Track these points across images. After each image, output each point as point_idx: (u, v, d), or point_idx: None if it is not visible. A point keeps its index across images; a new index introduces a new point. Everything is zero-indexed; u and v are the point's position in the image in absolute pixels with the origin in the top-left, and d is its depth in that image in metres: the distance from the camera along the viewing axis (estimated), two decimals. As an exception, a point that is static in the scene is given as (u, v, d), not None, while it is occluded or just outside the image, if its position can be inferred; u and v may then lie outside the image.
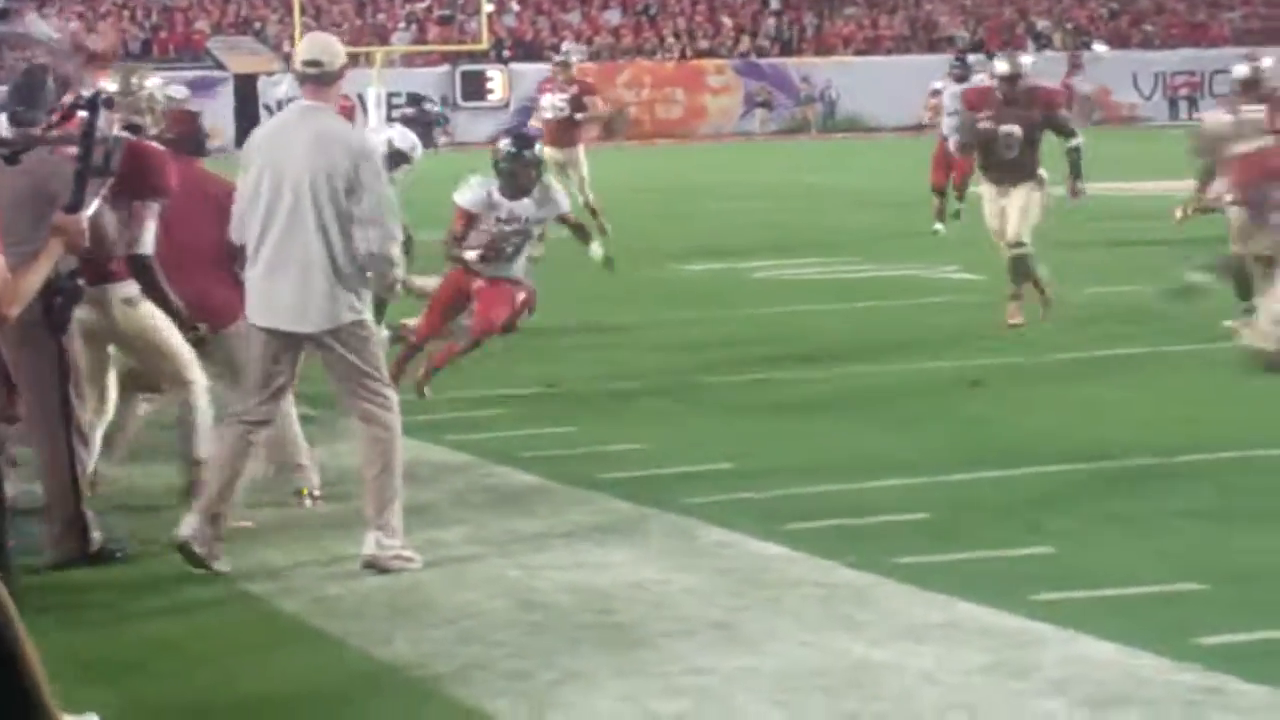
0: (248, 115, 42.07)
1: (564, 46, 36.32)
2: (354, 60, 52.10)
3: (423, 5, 54.10)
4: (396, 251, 8.10)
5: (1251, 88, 14.80)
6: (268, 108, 41.48)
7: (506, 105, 48.70)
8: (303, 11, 47.92)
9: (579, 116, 22.12)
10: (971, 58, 27.47)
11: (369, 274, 8.06)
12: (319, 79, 8.04)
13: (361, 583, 7.82)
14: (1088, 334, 14.29)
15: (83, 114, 6.35)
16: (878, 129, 50.41)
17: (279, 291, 7.96)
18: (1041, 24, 57.18)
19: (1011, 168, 14.52)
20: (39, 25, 27.35)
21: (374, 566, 7.93)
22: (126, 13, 51.97)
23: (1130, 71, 54.76)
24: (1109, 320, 15.04)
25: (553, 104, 22.63)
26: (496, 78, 49.28)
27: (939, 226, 22.81)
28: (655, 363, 13.46)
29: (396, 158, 13.26)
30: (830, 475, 9.39)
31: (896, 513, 8.70)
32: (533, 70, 50.23)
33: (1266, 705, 6.01)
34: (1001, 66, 15.10)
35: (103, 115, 6.84)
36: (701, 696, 6.26)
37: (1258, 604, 7.14)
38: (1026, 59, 15.88)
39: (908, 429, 10.77)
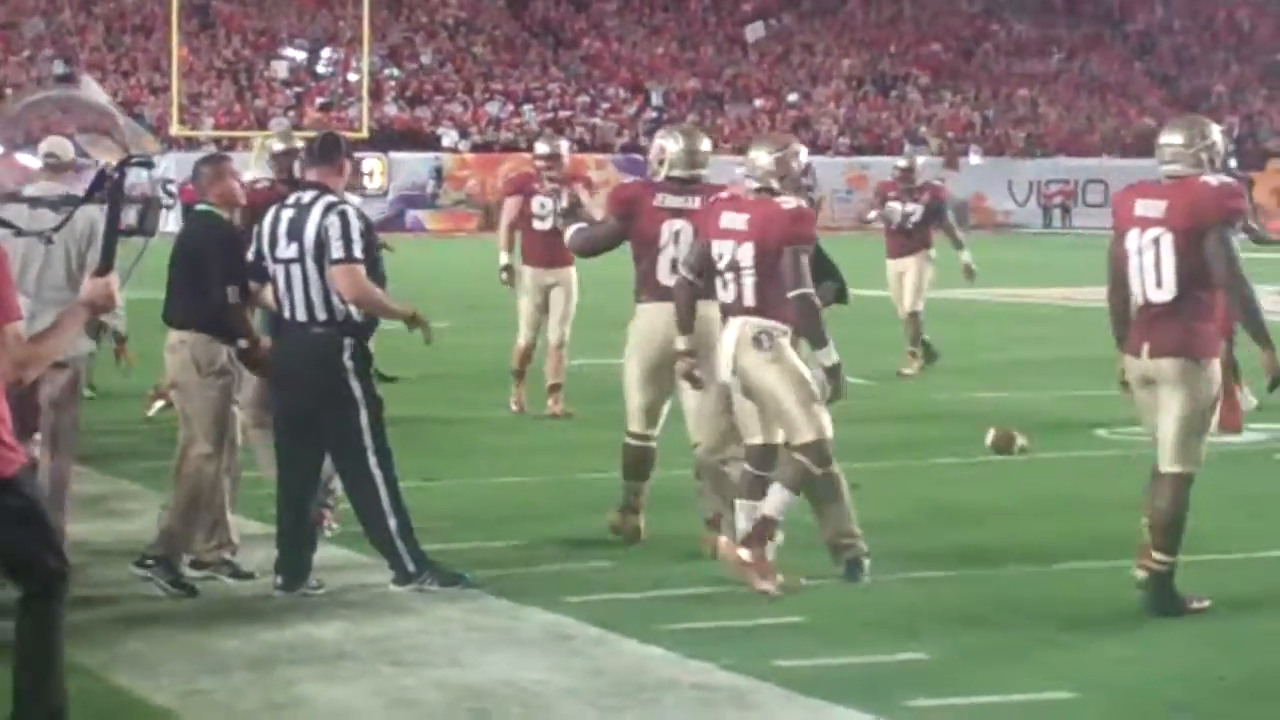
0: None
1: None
2: (233, 145, 51.68)
3: (300, 91, 54.10)
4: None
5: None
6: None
7: (385, 194, 48.73)
8: (180, 95, 47.77)
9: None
10: None
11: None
12: (57, 167, 9.91)
13: (233, 677, 7.72)
14: (966, 438, 14.37)
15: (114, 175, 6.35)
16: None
17: None
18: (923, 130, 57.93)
19: None
20: (93, 89, 26.99)
21: None
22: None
23: (1005, 179, 55.56)
24: (987, 425, 15.11)
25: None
26: (375, 166, 49.22)
27: None
28: (538, 461, 13.39)
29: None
30: (708, 577, 9.37)
31: (774, 615, 8.70)
32: (412, 159, 50.29)
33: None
34: None
35: (144, 177, 6.91)
36: (577, 800, 6.21)
37: (1127, 714, 7.18)
38: None
39: (785, 530, 10.75)
